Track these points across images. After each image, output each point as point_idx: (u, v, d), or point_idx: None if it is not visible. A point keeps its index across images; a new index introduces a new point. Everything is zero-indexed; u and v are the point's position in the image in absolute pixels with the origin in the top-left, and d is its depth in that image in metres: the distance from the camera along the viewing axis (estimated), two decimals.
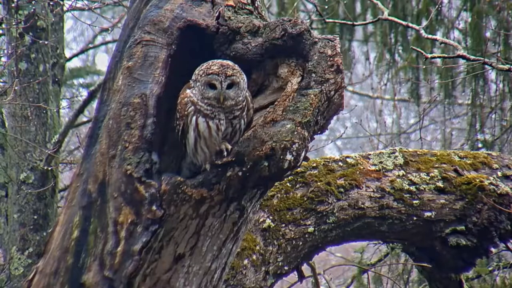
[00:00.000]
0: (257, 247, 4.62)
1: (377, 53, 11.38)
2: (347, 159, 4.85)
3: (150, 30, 3.44)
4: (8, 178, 8.94)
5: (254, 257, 4.60)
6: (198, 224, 3.29)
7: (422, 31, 6.71)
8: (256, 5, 3.60)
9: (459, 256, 4.75)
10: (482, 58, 6.34)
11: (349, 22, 8.35)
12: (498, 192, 4.72)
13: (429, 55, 6.39)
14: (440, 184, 4.78)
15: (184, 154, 3.45)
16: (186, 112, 3.36)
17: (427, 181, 4.78)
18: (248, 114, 3.40)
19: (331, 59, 3.38)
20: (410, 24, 7.30)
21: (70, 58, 11.72)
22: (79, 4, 9.91)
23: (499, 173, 4.86)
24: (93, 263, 3.26)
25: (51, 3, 8.97)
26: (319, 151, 12.12)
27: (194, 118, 3.35)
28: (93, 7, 9.91)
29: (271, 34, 3.44)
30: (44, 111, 9.01)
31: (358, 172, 4.77)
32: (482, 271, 9.40)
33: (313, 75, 3.35)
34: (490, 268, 9.50)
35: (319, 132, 3.41)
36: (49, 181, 9.04)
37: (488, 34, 10.34)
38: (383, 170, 4.80)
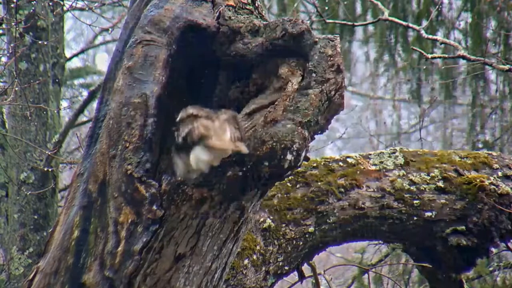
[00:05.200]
0: (258, 247, 4.62)
1: (377, 54, 11.39)
2: (348, 159, 4.85)
3: (151, 30, 3.44)
4: (8, 178, 8.94)
5: (255, 257, 4.60)
6: (199, 224, 3.29)
7: (423, 32, 6.71)
8: (256, 4, 3.60)
9: (459, 256, 4.75)
10: (482, 58, 6.34)
11: (349, 23, 8.36)
12: (499, 192, 4.72)
13: (430, 56, 6.39)
14: (440, 184, 4.78)
15: None
16: None
17: (428, 181, 4.78)
18: None
19: (331, 59, 3.37)
20: (411, 25, 7.31)
21: (70, 58, 11.72)
22: (79, 4, 9.91)
23: (500, 173, 4.86)
24: (94, 263, 3.26)
25: (51, 3, 8.97)
26: (319, 151, 12.13)
27: None
28: (93, 7, 9.91)
29: (271, 34, 3.43)
30: (45, 112, 9.01)
31: (358, 172, 4.77)
32: (483, 271, 9.40)
33: (314, 75, 3.35)
34: (490, 268, 9.51)
35: (319, 132, 3.40)
36: (49, 181, 9.04)
37: (488, 35, 10.35)
38: (384, 170, 4.80)
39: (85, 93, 11.98)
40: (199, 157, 3.16)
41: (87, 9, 10.35)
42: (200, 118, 3.19)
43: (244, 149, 3.17)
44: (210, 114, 3.23)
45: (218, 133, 3.16)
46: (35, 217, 8.95)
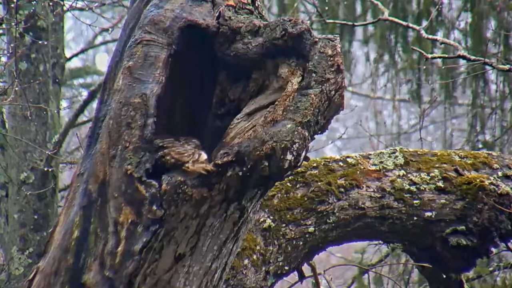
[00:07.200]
0: (258, 247, 4.62)
1: (377, 54, 11.39)
2: (348, 159, 4.85)
3: (151, 30, 3.44)
4: (8, 178, 8.94)
5: (255, 257, 4.60)
6: (199, 224, 3.29)
7: (423, 32, 6.70)
8: (256, 4, 3.60)
9: (459, 256, 4.75)
10: (482, 58, 6.34)
11: (349, 23, 8.35)
12: (499, 192, 4.72)
13: (430, 56, 6.39)
14: (440, 184, 4.78)
15: None
16: None
17: (428, 181, 4.78)
18: None
19: (331, 59, 3.37)
20: (411, 25, 7.31)
21: (70, 58, 11.72)
22: (79, 4, 9.91)
23: (500, 173, 4.86)
24: (94, 263, 3.25)
25: (51, 3, 8.97)
26: (319, 151, 12.13)
27: None
28: (93, 7, 9.92)
29: (271, 34, 3.43)
30: (45, 112, 9.01)
31: (358, 172, 4.77)
32: (483, 271, 9.40)
33: (314, 75, 3.35)
34: (490, 269, 9.51)
35: (319, 132, 3.40)
36: (49, 181, 9.04)
37: (488, 35, 10.35)
38: (384, 170, 4.80)
39: (85, 93, 11.98)
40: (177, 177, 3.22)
41: (87, 9, 10.35)
42: (170, 147, 3.25)
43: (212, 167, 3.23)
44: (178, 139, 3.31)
45: (195, 157, 3.21)
46: (35, 217, 8.95)
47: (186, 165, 3.21)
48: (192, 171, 3.20)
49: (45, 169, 8.90)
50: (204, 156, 3.23)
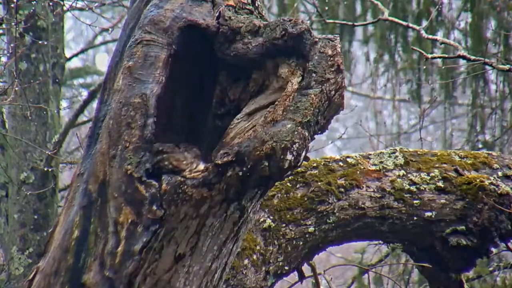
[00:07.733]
0: (258, 247, 4.62)
1: (377, 54, 11.39)
2: (348, 159, 4.85)
3: (151, 30, 3.44)
4: (8, 178, 8.94)
5: (255, 257, 4.60)
6: (199, 224, 3.29)
7: (423, 32, 6.70)
8: (256, 4, 3.60)
9: (459, 256, 4.75)
10: (482, 58, 6.34)
11: (349, 23, 8.35)
12: (499, 192, 4.72)
13: (430, 56, 6.39)
14: (440, 184, 4.78)
15: None
16: None
17: (428, 181, 4.78)
18: None
19: (331, 59, 3.37)
20: (411, 25, 7.31)
21: (70, 58, 11.72)
22: (79, 4, 9.92)
23: (500, 173, 4.86)
24: (94, 263, 3.26)
25: (51, 3, 8.97)
26: (319, 151, 12.12)
27: None
28: (93, 7, 9.92)
29: (271, 34, 3.43)
30: (45, 112, 9.01)
31: (358, 172, 4.77)
32: (483, 271, 9.40)
33: (314, 75, 3.35)
34: (490, 269, 9.50)
35: (319, 132, 3.40)
36: (49, 181, 9.04)
37: (488, 35, 10.35)
38: (384, 170, 4.80)
39: (85, 93, 11.99)
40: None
41: (87, 9, 10.36)
42: (169, 153, 3.26)
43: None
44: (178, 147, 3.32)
45: (192, 167, 3.23)
46: (35, 217, 8.95)
47: (183, 174, 3.22)
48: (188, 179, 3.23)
49: (45, 169, 8.91)
50: (201, 167, 3.24)
